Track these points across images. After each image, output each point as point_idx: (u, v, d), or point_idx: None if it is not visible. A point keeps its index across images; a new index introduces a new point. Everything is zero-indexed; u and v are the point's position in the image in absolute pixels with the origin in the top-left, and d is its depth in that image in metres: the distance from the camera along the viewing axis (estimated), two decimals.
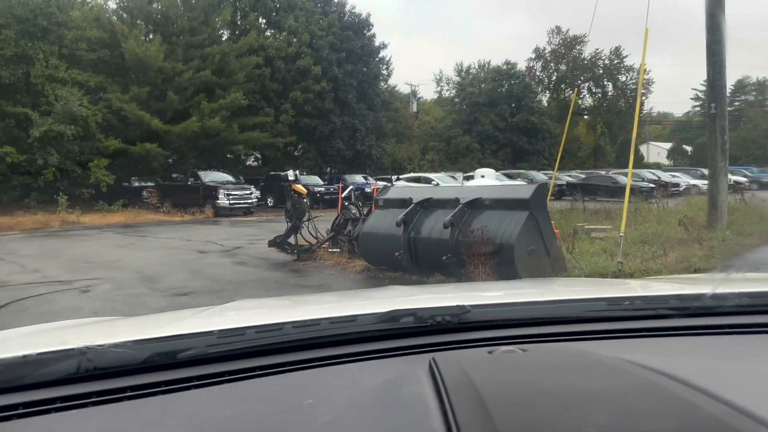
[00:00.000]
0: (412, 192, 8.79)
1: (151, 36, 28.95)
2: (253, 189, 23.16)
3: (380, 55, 37.30)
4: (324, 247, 10.30)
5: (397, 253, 7.61)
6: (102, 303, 6.92)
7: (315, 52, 32.95)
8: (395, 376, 0.98)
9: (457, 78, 56.41)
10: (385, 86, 41.07)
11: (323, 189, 26.54)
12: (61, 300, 7.18)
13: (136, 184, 26.12)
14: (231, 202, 21.99)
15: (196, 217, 21.56)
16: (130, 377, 1.01)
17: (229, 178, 23.99)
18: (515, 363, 0.99)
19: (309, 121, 33.03)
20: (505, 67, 50.25)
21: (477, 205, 7.27)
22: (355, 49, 34.95)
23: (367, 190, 27.00)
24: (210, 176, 23.47)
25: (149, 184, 26.39)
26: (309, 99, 32.49)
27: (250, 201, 22.78)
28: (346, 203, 11.46)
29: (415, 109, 58.89)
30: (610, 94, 56.20)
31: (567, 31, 56.68)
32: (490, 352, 1.04)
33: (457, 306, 1.26)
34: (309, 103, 32.63)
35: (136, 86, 27.40)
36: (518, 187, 10.73)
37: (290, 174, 10.94)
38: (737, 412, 0.74)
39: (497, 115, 48.23)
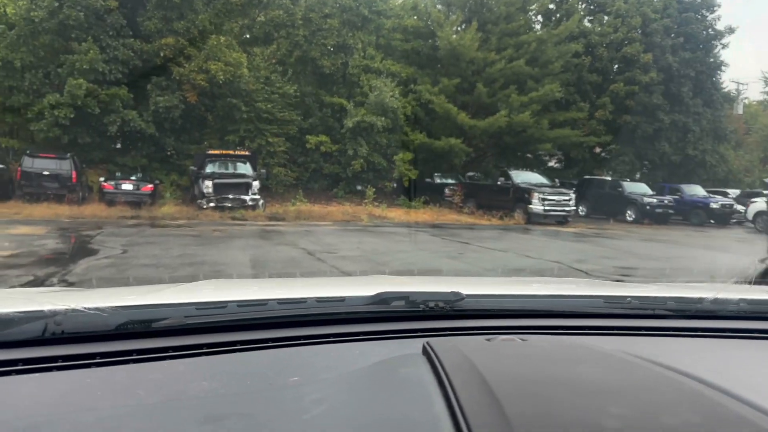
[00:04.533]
0: None
1: (465, 25, 27.17)
2: (572, 194, 19.55)
3: (722, 41, 30.11)
4: None
5: None
6: None
7: (646, 37, 27.87)
8: (389, 358, 0.94)
9: None
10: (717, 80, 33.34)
11: (654, 200, 21.51)
12: None
13: (438, 180, 24.54)
14: (546, 208, 18.71)
15: (506, 222, 18.78)
16: (100, 343, 0.97)
17: (543, 179, 20.77)
18: (518, 351, 0.94)
19: (629, 119, 28.10)
20: None
21: None
22: (696, 33, 28.81)
23: (713, 206, 21.39)
24: (521, 177, 20.53)
25: (450, 181, 24.65)
26: (633, 92, 27.58)
27: (567, 209, 19.24)
28: None
29: (740, 110, 48.90)
30: None
31: None
32: (488, 340, 1.00)
33: (451, 292, 1.24)
34: (632, 96, 27.72)
35: (446, 78, 25.91)
36: None
37: None
38: (760, 411, 0.71)
39: None
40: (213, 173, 17.96)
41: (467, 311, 1.24)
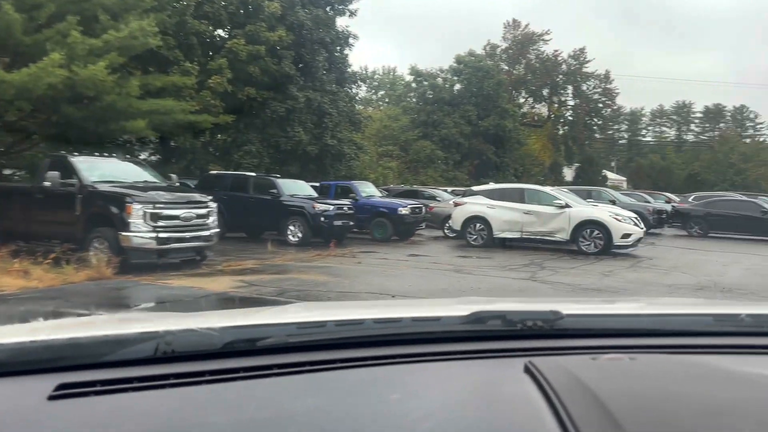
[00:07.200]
0: None
1: None
2: (212, 204, 10.09)
3: (350, 6, 24.60)
4: None
5: None
6: None
7: None
8: (490, 377, 0.93)
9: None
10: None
11: (330, 208, 13.48)
12: None
13: None
14: (162, 235, 8.83)
15: (65, 275, 8.03)
16: (209, 361, 0.99)
17: (149, 175, 10.66)
18: (628, 369, 0.91)
19: (254, 92, 20.09)
20: (469, 58, 40.02)
21: None
22: None
23: (402, 211, 14.91)
24: (98, 168, 10.00)
25: None
26: (257, 54, 19.62)
27: (208, 233, 9.71)
28: None
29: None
30: (573, 103, 48.51)
31: (526, 25, 48.23)
32: (593, 359, 0.96)
33: (550, 311, 1.17)
34: (257, 61, 19.75)
35: None
36: None
37: None
38: None
39: (462, 116, 37.93)
40: None
41: (568, 330, 1.17)
